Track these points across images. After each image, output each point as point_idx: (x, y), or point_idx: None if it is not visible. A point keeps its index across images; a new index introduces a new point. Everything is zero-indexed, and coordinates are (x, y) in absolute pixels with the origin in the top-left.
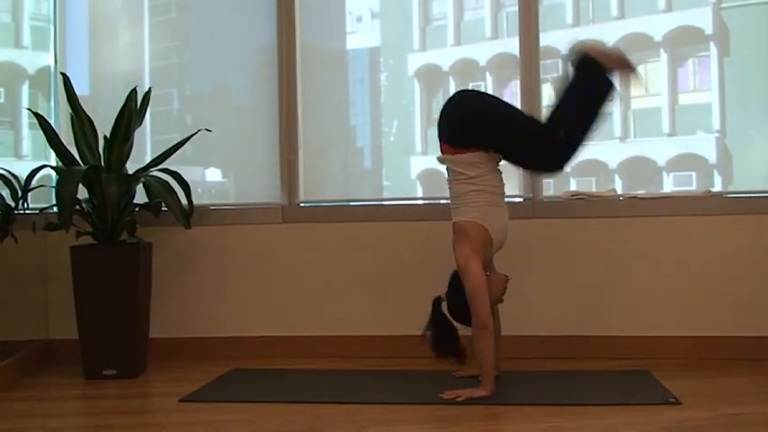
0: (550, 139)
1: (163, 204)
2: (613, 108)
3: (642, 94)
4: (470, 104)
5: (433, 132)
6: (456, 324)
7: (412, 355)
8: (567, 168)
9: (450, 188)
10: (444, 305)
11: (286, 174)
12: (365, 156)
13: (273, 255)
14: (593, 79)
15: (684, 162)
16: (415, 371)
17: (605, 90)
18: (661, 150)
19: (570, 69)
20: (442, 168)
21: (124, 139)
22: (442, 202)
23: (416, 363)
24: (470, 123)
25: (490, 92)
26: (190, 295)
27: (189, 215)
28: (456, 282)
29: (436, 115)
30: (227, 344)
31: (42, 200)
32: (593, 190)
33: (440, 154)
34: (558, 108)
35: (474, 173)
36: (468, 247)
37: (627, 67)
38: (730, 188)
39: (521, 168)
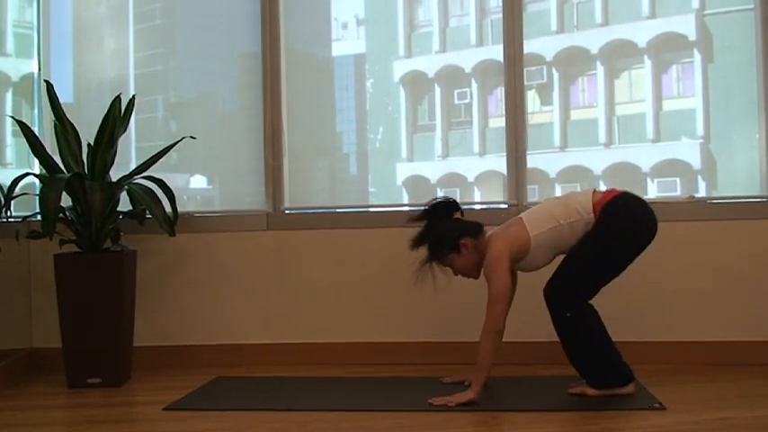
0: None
1: (147, 212)
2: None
3: (627, 99)
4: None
5: (419, 138)
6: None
7: (398, 362)
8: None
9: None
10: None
11: (271, 180)
12: (351, 162)
13: (258, 262)
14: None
15: (669, 168)
16: (401, 377)
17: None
18: (645, 156)
19: None
20: (428, 174)
21: (108, 147)
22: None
23: (403, 369)
24: None
25: (475, 98)
26: (174, 303)
27: (173, 223)
28: (466, 225)
29: (422, 122)
30: (212, 351)
31: (26, 208)
32: None
33: None
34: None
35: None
36: (507, 248)
37: None
38: (714, 194)
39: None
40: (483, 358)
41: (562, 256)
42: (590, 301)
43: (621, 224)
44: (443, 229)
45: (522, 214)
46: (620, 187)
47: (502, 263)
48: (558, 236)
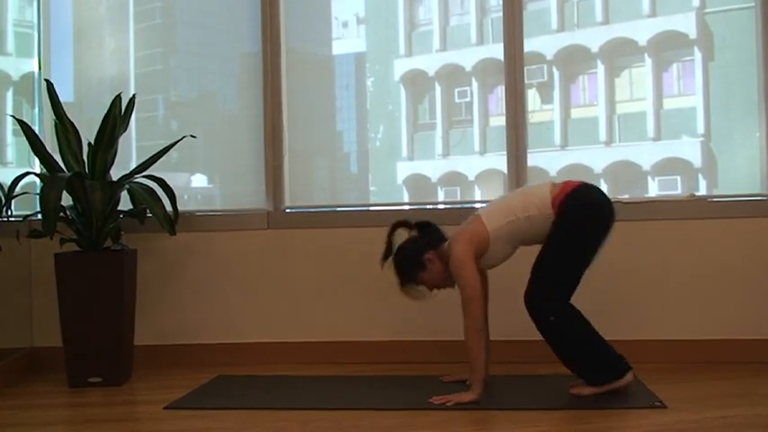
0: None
1: (148, 211)
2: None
3: (627, 98)
4: None
5: (420, 137)
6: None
7: (399, 361)
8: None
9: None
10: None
11: (271, 179)
12: (351, 161)
13: (259, 261)
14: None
15: (669, 166)
16: (401, 376)
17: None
18: (646, 155)
19: None
20: (428, 173)
21: (108, 146)
22: (428, 207)
23: (403, 368)
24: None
25: (476, 97)
26: (175, 302)
27: (174, 222)
28: (424, 238)
29: (422, 120)
30: (213, 350)
31: (26, 207)
32: None
33: None
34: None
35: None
36: (470, 247)
37: None
38: (715, 192)
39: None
40: (473, 358)
41: (532, 254)
42: (571, 301)
43: (581, 216)
44: (403, 251)
45: (479, 210)
46: (621, 186)
47: (467, 262)
48: (515, 229)
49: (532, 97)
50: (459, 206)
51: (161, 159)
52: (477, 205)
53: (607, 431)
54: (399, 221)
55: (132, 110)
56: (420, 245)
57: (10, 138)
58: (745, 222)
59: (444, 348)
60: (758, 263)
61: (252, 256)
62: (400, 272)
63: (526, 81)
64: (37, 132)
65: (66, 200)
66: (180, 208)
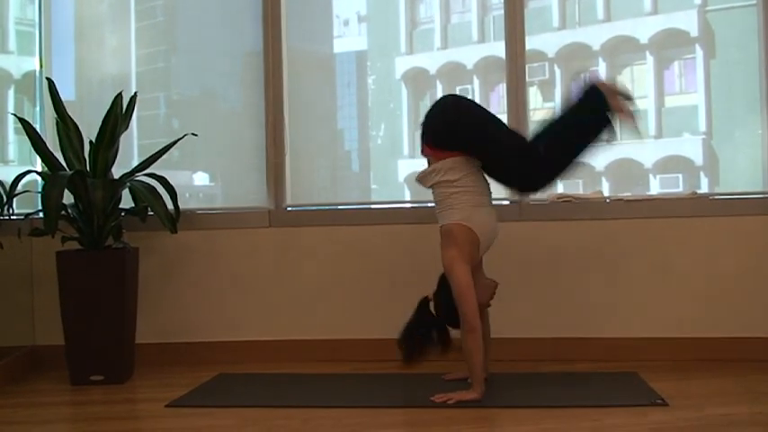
0: (532, 157)
1: (149, 209)
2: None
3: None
4: (457, 109)
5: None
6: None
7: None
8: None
9: (433, 193)
10: (432, 305)
11: (273, 178)
12: (352, 159)
13: (260, 259)
14: (594, 110)
15: (671, 164)
16: (403, 374)
17: (602, 125)
18: (647, 152)
19: (576, 94)
20: None
21: (110, 144)
22: (429, 205)
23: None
24: (454, 128)
25: (477, 95)
26: (176, 300)
27: (175, 220)
28: (444, 284)
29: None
30: (214, 348)
31: (28, 205)
32: (580, 192)
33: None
34: (551, 126)
35: (455, 176)
36: (453, 251)
37: (629, 117)
38: (717, 190)
39: (501, 184)
40: (469, 358)
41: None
42: None
43: None
44: (441, 309)
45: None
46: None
47: (455, 263)
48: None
49: (534, 95)
50: None
51: (162, 157)
52: None
53: (609, 429)
54: (421, 302)
55: (134, 108)
56: (444, 294)
57: (11, 136)
58: (747, 220)
59: None
60: (760, 260)
61: (253, 254)
62: (455, 323)
63: (527, 79)
64: (38, 131)
65: (68, 198)
66: (181, 206)
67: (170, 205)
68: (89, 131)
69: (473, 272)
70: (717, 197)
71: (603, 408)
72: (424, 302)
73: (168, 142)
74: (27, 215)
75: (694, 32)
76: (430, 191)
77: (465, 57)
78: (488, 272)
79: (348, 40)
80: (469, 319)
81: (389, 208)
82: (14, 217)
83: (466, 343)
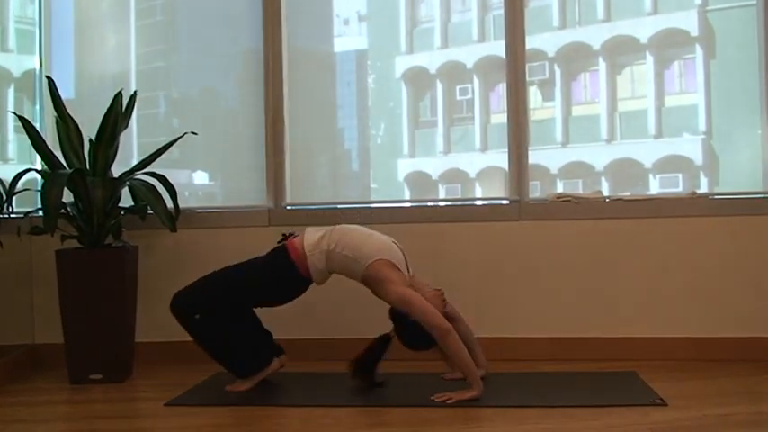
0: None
1: (149, 208)
2: None
3: (629, 95)
4: None
5: (421, 134)
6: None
7: (400, 358)
8: None
9: (329, 261)
10: (394, 341)
11: (272, 176)
12: (352, 158)
13: None
14: None
15: (671, 164)
16: (403, 373)
17: None
18: (647, 152)
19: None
20: (429, 171)
21: (110, 143)
22: (429, 204)
23: (404, 365)
24: None
25: (477, 95)
26: None
27: (175, 218)
28: (398, 316)
29: (423, 118)
30: None
31: (27, 204)
32: (580, 192)
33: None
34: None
35: (325, 246)
36: (389, 285)
37: None
38: (716, 190)
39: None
40: (457, 360)
41: None
42: None
43: None
44: (408, 337)
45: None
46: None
47: (397, 289)
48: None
49: (534, 95)
50: (460, 203)
51: (162, 156)
52: (477, 202)
53: (607, 428)
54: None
55: (133, 107)
56: (402, 324)
57: (11, 134)
58: (747, 220)
59: None
60: (759, 260)
61: (253, 253)
62: (428, 344)
63: (527, 78)
64: (38, 129)
65: (68, 197)
66: (181, 205)
67: (170, 204)
68: (89, 130)
69: (416, 290)
70: (716, 197)
71: (602, 407)
72: (386, 339)
73: (168, 141)
74: (27, 213)
75: (694, 32)
76: (430, 190)
77: (465, 56)
78: (488, 271)
79: (348, 39)
80: (438, 324)
81: (389, 207)
82: (14, 215)
83: (448, 347)
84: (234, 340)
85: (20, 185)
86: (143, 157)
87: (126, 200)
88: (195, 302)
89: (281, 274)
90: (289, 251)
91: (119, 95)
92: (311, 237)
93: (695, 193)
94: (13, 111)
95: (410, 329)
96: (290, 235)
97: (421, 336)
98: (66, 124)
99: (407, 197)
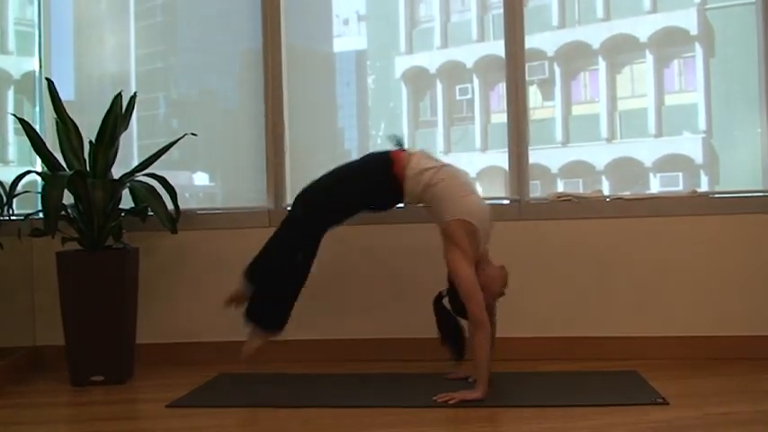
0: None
1: (149, 209)
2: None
3: (628, 94)
4: None
5: (421, 134)
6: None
7: (402, 358)
8: None
9: (424, 194)
10: (446, 301)
11: (272, 177)
12: (352, 158)
13: None
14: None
15: (671, 163)
16: (404, 374)
17: None
18: (647, 151)
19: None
20: None
21: (110, 144)
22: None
23: (406, 366)
24: None
25: (477, 94)
26: (177, 300)
27: (175, 220)
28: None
29: (423, 118)
30: (215, 349)
31: (28, 206)
32: (580, 191)
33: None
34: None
35: (428, 177)
36: (455, 252)
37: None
38: (716, 188)
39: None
40: (476, 356)
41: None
42: None
43: None
44: (456, 303)
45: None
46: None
47: (458, 263)
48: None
49: (533, 94)
50: None
51: (162, 157)
52: None
53: (609, 428)
54: (436, 298)
55: (133, 108)
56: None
57: (11, 136)
58: (747, 218)
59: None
60: (760, 259)
61: (253, 253)
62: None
63: (527, 78)
64: (38, 131)
65: (68, 198)
66: (181, 206)
67: (170, 205)
68: (89, 132)
69: (480, 263)
70: (717, 195)
71: (604, 407)
72: (438, 299)
73: (168, 142)
74: (27, 216)
75: (694, 31)
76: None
77: (465, 56)
78: None
79: (348, 39)
80: (477, 316)
81: None
82: (14, 217)
83: (473, 340)
84: (292, 294)
85: (20, 187)
86: (143, 159)
87: (126, 201)
88: (320, 204)
89: (380, 183)
90: (392, 164)
91: (118, 97)
92: (419, 163)
93: (695, 191)
94: (12, 113)
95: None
96: (400, 145)
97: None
98: (65, 126)
99: None
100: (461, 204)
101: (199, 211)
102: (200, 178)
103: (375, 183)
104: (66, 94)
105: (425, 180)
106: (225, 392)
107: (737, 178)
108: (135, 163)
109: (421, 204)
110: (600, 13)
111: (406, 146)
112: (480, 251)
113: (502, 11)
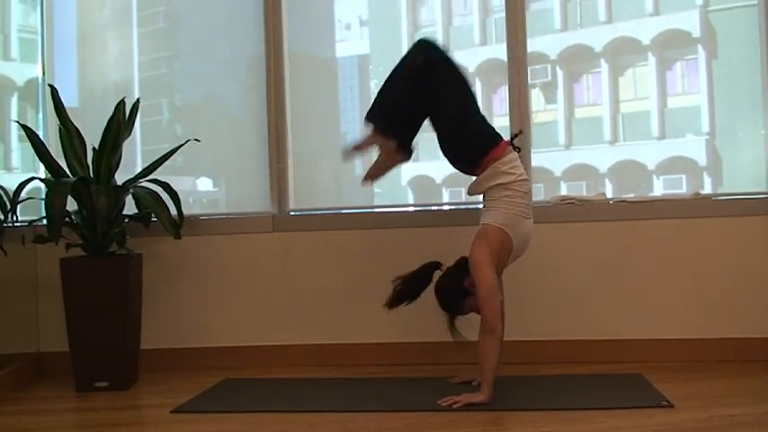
0: None
1: (153, 215)
2: None
3: (631, 97)
4: None
5: (424, 138)
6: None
7: (406, 363)
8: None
9: (484, 191)
10: (437, 275)
11: (276, 182)
12: (355, 163)
13: (264, 264)
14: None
15: (674, 165)
16: (408, 378)
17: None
18: (651, 154)
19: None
20: (433, 174)
21: (113, 151)
22: (432, 208)
23: (410, 370)
24: None
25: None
26: (181, 306)
27: (179, 225)
28: (459, 269)
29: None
30: (219, 354)
31: (31, 212)
32: (583, 194)
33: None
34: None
35: (508, 179)
36: (485, 252)
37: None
38: (720, 190)
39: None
40: (483, 361)
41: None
42: None
43: None
44: (444, 288)
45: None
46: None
47: (484, 264)
48: (510, 200)
49: (536, 97)
50: (463, 207)
51: (165, 163)
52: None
53: (614, 431)
54: (432, 263)
55: (136, 114)
56: (457, 276)
57: (15, 143)
58: (751, 220)
59: (451, 349)
60: (764, 260)
61: (257, 259)
62: (448, 307)
63: (530, 81)
64: (41, 138)
65: (72, 205)
66: (185, 212)
67: (173, 211)
68: (92, 138)
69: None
70: (720, 198)
71: (608, 410)
72: (432, 266)
73: (171, 148)
74: (31, 222)
75: (696, 33)
76: (433, 194)
77: (467, 59)
78: None
79: (350, 43)
80: (491, 322)
81: (393, 212)
82: (18, 224)
83: (483, 344)
84: (411, 103)
85: (24, 194)
86: (147, 165)
87: (130, 207)
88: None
89: (473, 143)
90: (494, 146)
91: (122, 103)
92: (510, 163)
93: (699, 193)
94: (16, 119)
95: (452, 282)
96: (516, 136)
97: (449, 293)
98: (69, 132)
99: (411, 201)
100: (514, 222)
101: (202, 217)
102: (204, 184)
103: (469, 137)
104: (69, 101)
105: (502, 180)
106: (229, 398)
107: (741, 180)
108: (138, 169)
109: (475, 194)
110: (602, 15)
111: (519, 147)
112: (499, 268)
113: (504, 14)
